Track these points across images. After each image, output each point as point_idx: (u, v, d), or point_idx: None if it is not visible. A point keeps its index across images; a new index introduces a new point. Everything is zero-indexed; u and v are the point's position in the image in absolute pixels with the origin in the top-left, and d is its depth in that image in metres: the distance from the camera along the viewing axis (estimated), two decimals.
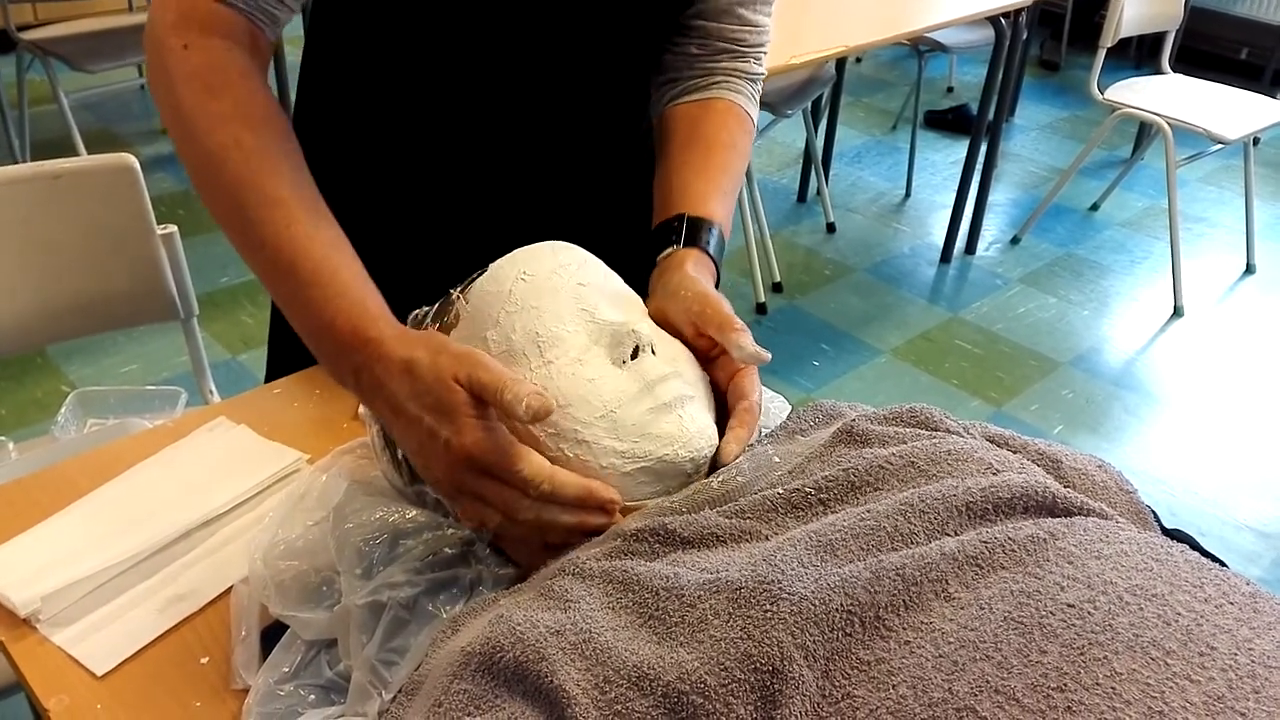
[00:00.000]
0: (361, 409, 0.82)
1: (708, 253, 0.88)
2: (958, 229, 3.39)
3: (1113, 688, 0.49)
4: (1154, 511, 0.72)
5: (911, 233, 3.61)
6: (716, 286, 0.85)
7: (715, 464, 0.73)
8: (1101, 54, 3.23)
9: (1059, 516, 0.63)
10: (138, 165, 1.41)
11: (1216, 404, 2.79)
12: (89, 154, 1.59)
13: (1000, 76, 3.12)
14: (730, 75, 1.02)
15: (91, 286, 1.46)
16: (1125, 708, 0.48)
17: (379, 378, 0.70)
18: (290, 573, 0.75)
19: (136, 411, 1.63)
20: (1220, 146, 3.15)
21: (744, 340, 0.75)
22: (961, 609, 0.55)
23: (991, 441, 0.72)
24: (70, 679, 0.73)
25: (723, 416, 0.77)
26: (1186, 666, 0.50)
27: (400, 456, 0.78)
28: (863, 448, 0.70)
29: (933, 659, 0.53)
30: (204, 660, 0.75)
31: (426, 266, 0.89)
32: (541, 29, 0.94)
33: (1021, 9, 3.01)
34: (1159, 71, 3.57)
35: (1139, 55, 5.14)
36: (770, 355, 0.74)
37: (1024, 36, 3.24)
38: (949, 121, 4.41)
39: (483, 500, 0.68)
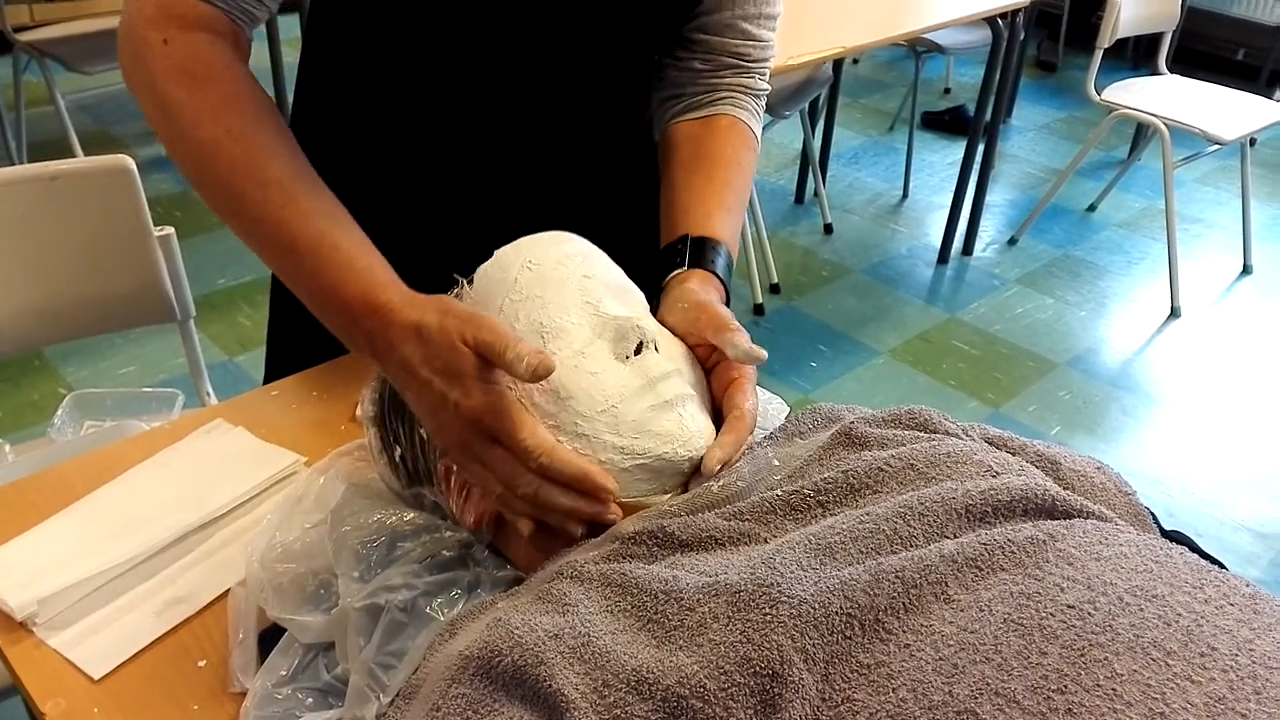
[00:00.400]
0: (359, 411, 0.82)
1: (714, 272, 0.88)
2: (955, 230, 3.39)
3: (1113, 689, 0.49)
4: (1153, 513, 0.72)
5: (909, 234, 3.61)
6: (726, 305, 0.85)
7: (698, 470, 0.72)
8: (1098, 55, 3.23)
9: (1058, 519, 0.63)
10: (134, 167, 1.41)
11: (1214, 404, 2.79)
12: (85, 155, 1.59)
13: (997, 77, 3.12)
14: (734, 90, 1.02)
15: (88, 288, 1.45)
16: (1126, 709, 0.48)
17: (391, 342, 0.70)
18: (288, 575, 0.75)
19: (134, 413, 1.62)
20: (1217, 147, 3.16)
21: (739, 339, 0.74)
22: (961, 611, 0.55)
23: (990, 443, 0.72)
24: (67, 682, 0.73)
25: (717, 424, 0.76)
26: (1187, 667, 0.50)
27: (398, 458, 0.78)
28: (861, 450, 0.70)
29: (932, 661, 0.52)
30: (201, 663, 0.75)
31: (424, 266, 0.89)
32: (540, 32, 0.94)
33: (1018, 10, 3.01)
34: (1156, 72, 3.58)
35: (1136, 56, 5.15)
36: (766, 354, 0.74)
37: (1021, 37, 3.24)
38: (946, 122, 4.42)
39: (486, 467, 0.68)
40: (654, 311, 0.83)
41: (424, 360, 0.68)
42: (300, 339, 1.15)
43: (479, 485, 0.71)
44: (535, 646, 0.56)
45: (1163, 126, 3.16)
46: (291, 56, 1.14)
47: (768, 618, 0.54)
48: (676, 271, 0.88)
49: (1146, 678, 0.49)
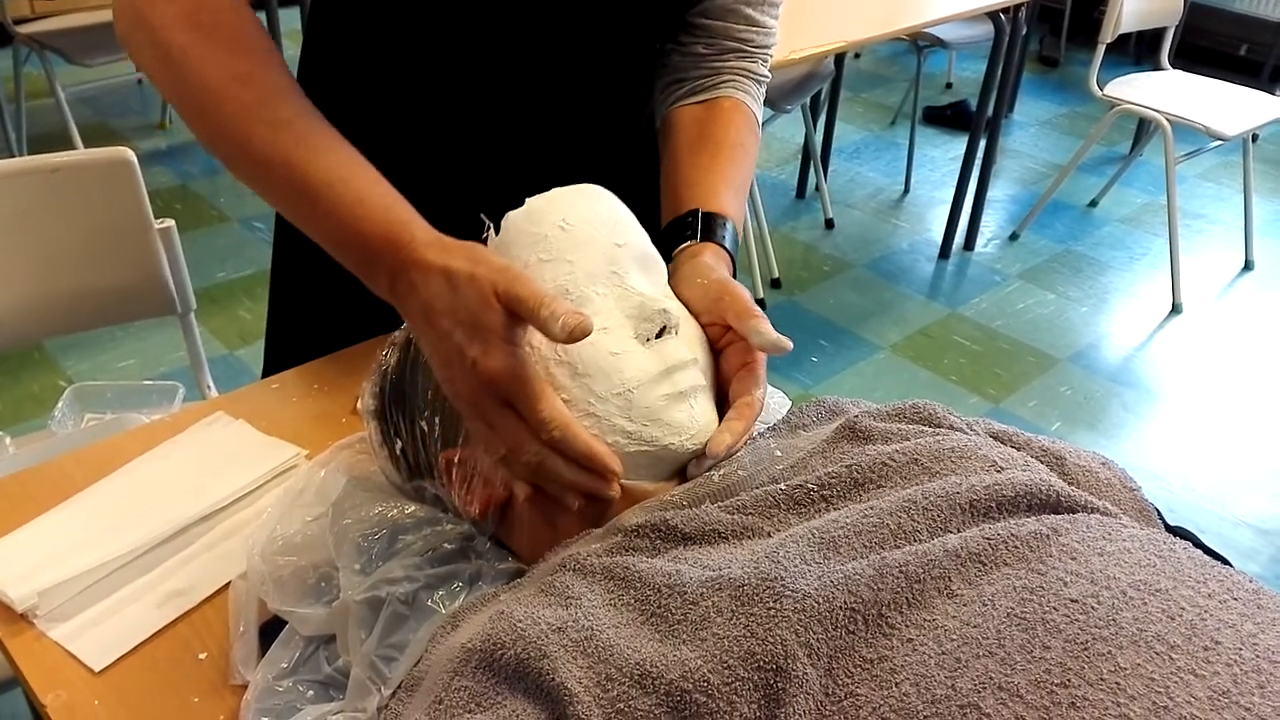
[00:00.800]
0: (359, 404, 0.82)
1: (724, 247, 0.87)
2: (956, 225, 3.39)
3: (1117, 683, 0.49)
4: (1157, 509, 0.72)
5: (910, 229, 3.61)
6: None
7: (703, 453, 0.72)
8: (1101, 50, 3.23)
9: (1062, 514, 0.62)
10: (135, 159, 1.41)
11: (1215, 401, 2.79)
12: (86, 148, 1.59)
13: (999, 72, 3.12)
14: (737, 75, 1.01)
15: (89, 281, 1.45)
16: (1130, 703, 0.48)
17: (413, 283, 0.68)
18: (289, 568, 0.75)
19: (134, 406, 1.63)
20: (1219, 143, 3.15)
21: (763, 327, 0.73)
22: (964, 606, 0.55)
23: (995, 438, 0.72)
24: (68, 674, 0.73)
25: (721, 407, 0.76)
26: (1191, 661, 0.50)
27: (399, 451, 0.78)
28: (865, 444, 0.70)
29: (935, 656, 0.52)
30: (202, 656, 0.75)
31: None
32: (546, 16, 0.93)
33: (1021, 4, 3.01)
34: (1158, 67, 3.57)
35: (1138, 51, 5.14)
36: (791, 344, 0.73)
37: (1023, 32, 3.23)
38: (948, 117, 4.41)
39: (493, 429, 0.67)
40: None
41: (448, 309, 0.66)
42: (300, 332, 1.15)
43: (481, 442, 0.69)
44: (538, 639, 0.56)
45: (1165, 122, 3.16)
46: (293, 49, 1.13)
47: (771, 612, 0.54)
48: (688, 244, 0.86)
49: (1150, 671, 0.49)
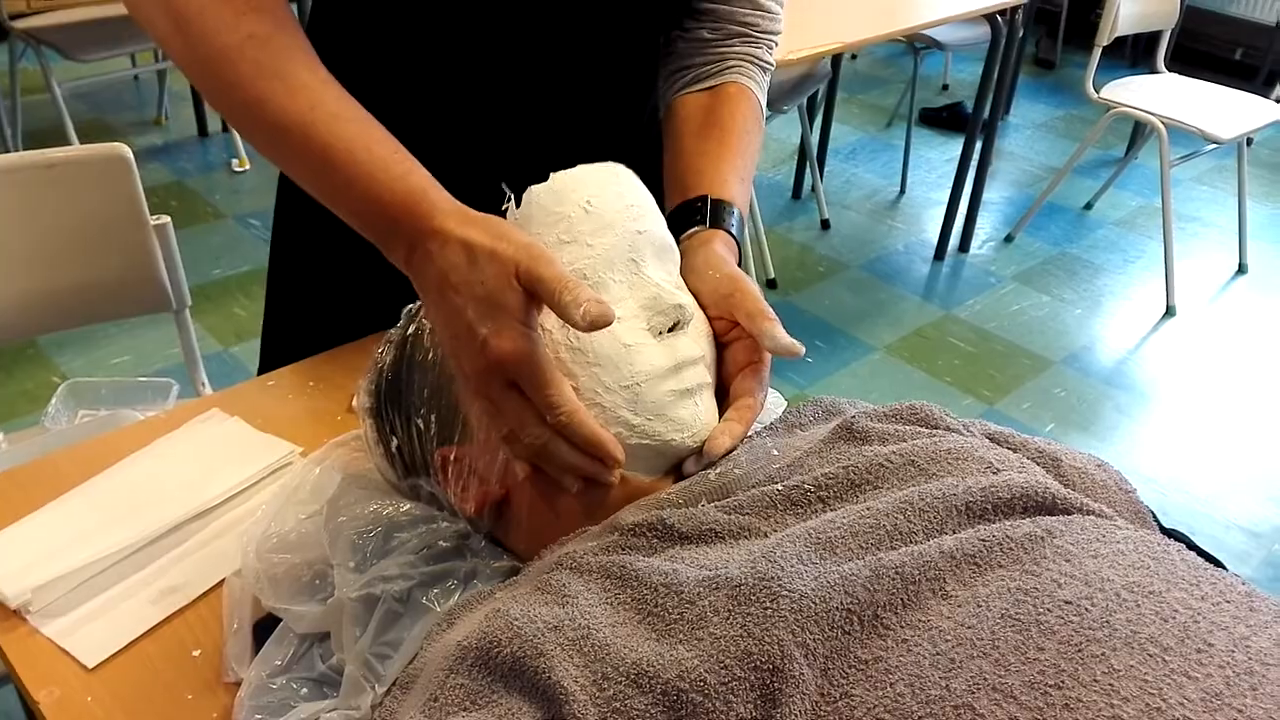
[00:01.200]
0: (354, 402, 0.82)
1: (732, 235, 0.86)
2: (952, 226, 3.39)
3: (1110, 684, 0.49)
4: (1152, 512, 0.72)
5: (906, 230, 3.61)
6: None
7: (701, 452, 0.71)
8: (1097, 53, 3.24)
9: (1058, 516, 0.62)
10: (131, 155, 1.40)
11: (1208, 404, 2.79)
12: (81, 144, 1.58)
13: (996, 74, 3.12)
14: (743, 60, 1.00)
15: (83, 277, 1.45)
16: (1123, 704, 0.48)
17: (430, 253, 0.67)
18: (283, 566, 0.74)
19: (128, 403, 1.62)
20: (1214, 146, 3.16)
21: (776, 330, 0.72)
22: (959, 607, 0.55)
23: (991, 440, 0.72)
24: (61, 671, 0.73)
25: (720, 400, 0.75)
26: (1184, 663, 0.50)
27: (394, 450, 0.78)
28: (862, 445, 0.70)
29: (930, 657, 0.52)
30: (196, 653, 0.75)
31: None
32: (551, 4, 0.93)
33: (1017, 7, 3.01)
34: (1154, 71, 3.58)
35: (1134, 54, 5.15)
36: (803, 349, 0.72)
37: (1020, 34, 3.24)
38: (944, 119, 4.42)
39: (497, 408, 0.66)
40: None
41: (464, 283, 0.64)
42: (297, 329, 1.14)
43: (485, 419, 0.68)
44: (535, 638, 0.56)
45: (1160, 125, 3.16)
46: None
47: (768, 612, 0.54)
48: (696, 230, 0.85)
49: (1143, 673, 0.49)
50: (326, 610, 0.70)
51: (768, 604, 0.55)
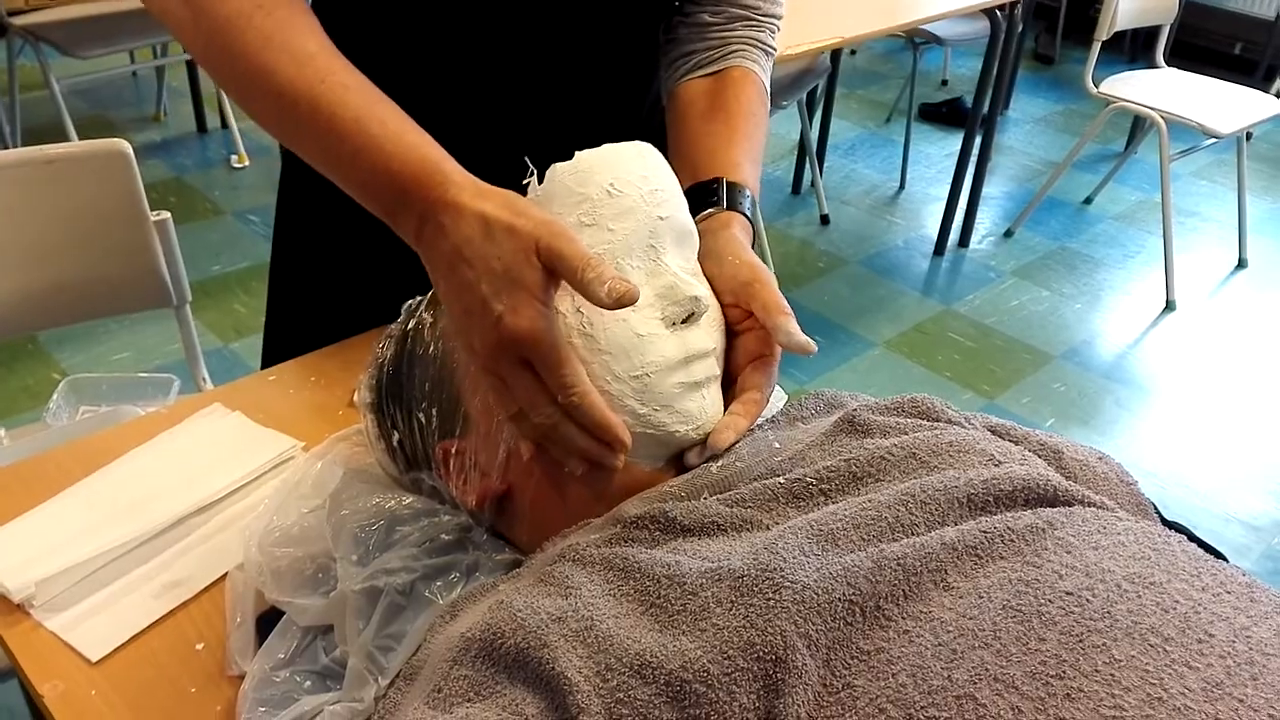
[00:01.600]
0: (356, 397, 0.82)
1: (748, 217, 0.84)
2: (951, 222, 3.39)
3: (1112, 674, 0.49)
4: (1154, 504, 0.72)
5: (905, 225, 3.61)
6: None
7: (704, 444, 0.71)
8: (1096, 47, 3.23)
9: (1059, 508, 0.63)
10: (130, 151, 1.40)
11: (1208, 398, 2.80)
12: (80, 141, 1.58)
13: (995, 69, 3.12)
14: (746, 44, 0.99)
15: (84, 273, 1.45)
16: (1124, 694, 0.48)
17: (444, 227, 0.65)
18: (286, 559, 0.75)
19: (129, 399, 1.62)
20: (1213, 141, 3.16)
21: (791, 326, 0.72)
22: (960, 598, 0.55)
23: (993, 432, 0.72)
24: (65, 665, 0.73)
25: (726, 389, 0.74)
26: (1185, 653, 0.50)
27: (396, 444, 0.78)
28: (864, 438, 0.70)
29: (932, 648, 0.53)
30: (199, 646, 0.75)
31: None
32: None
33: (1016, 2, 3.01)
34: (1153, 65, 3.58)
35: (1133, 49, 5.15)
36: (816, 347, 0.71)
37: (1019, 29, 3.23)
38: (943, 114, 4.41)
39: (507, 385, 0.65)
40: None
41: (479, 257, 0.63)
42: (299, 324, 1.15)
43: (493, 396, 0.67)
44: (538, 629, 0.56)
45: (1160, 120, 3.16)
46: None
47: (771, 603, 0.54)
48: (712, 212, 0.83)
49: (1144, 663, 0.49)
50: (329, 603, 0.70)
51: (770, 595, 0.55)
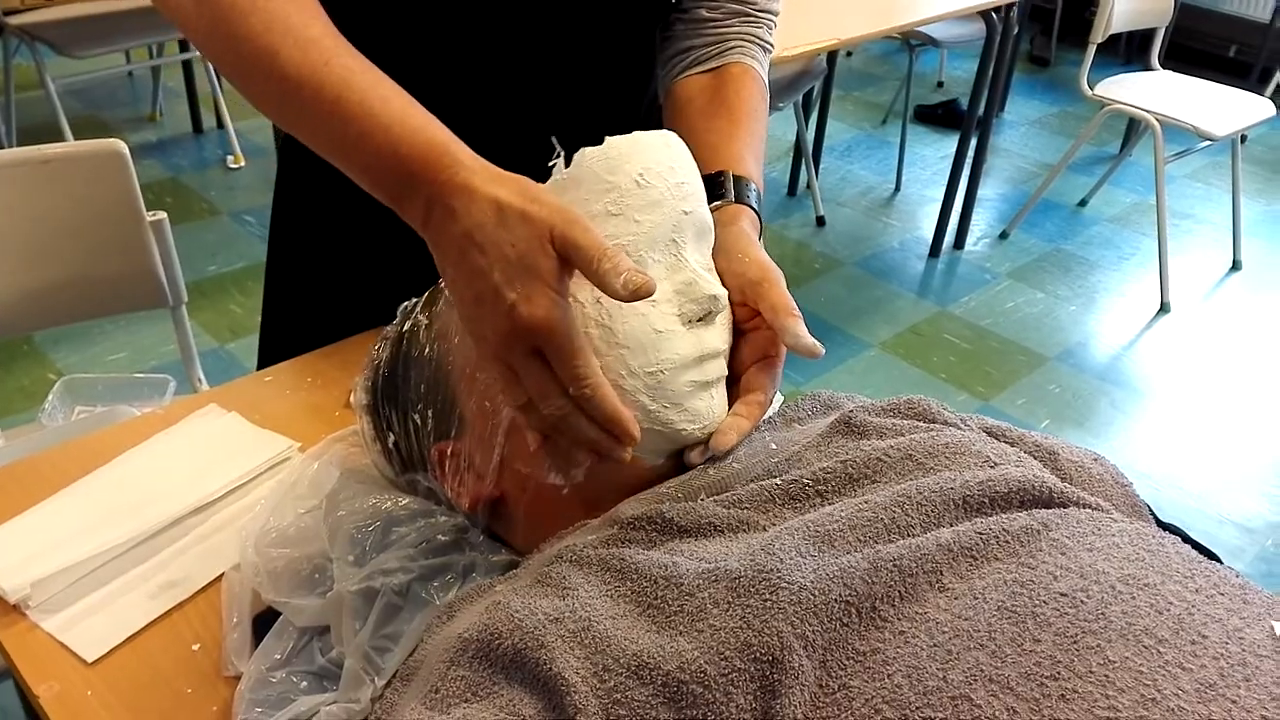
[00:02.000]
0: (352, 398, 0.82)
1: (756, 211, 0.84)
2: (947, 223, 3.39)
3: (1106, 675, 0.49)
4: (1149, 506, 0.72)
5: (901, 227, 3.62)
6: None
7: (705, 443, 0.71)
8: (1091, 50, 3.24)
9: (1054, 509, 0.63)
10: (127, 151, 1.40)
11: (1202, 400, 2.80)
12: (76, 141, 1.58)
13: (990, 71, 3.13)
14: (743, 40, 0.98)
15: (80, 273, 1.45)
16: (1118, 695, 0.48)
17: (454, 211, 0.63)
18: (282, 560, 0.75)
19: (125, 399, 1.62)
20: (1208, 143, 3.17)
21: (800, 329, 0.71)
22: (955, 599, 0.56)
23: (989, 434, 0.72)
24: (60, 665, 0.73)
25: (729, 387, 0.74)
26: (1178, 654, 0.50)
27: (392, 446, 0.78)
28: (860, 439, 0.70)
29: (927, 648, 0.53)
30: (195, 647, 0.75)
31: (421, 242, 0.87)
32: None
33: (1012, 4, 3.02)
34: (1148, 68, 3.58)
35: (1128, 52, 5.16)
36: (823, 350, 0.71)
37: (1015, 31, 3.24)
38: (939, 116, 4.42)
39: (517, 375, 0.63)
40: None
41: (492, 243, 0.61)
42: (295, 325, 1.15)
43: (501, 385, 0.65)
44: (536, 630, 0.56)
45: (1154, 122, 3.17)
46: None
47: (768, 604, 0.55)
48: (720, 205, 0.82)
49: (1138, 665, 0.50)
50: (326, 604, 0.70)
51: (767, 596, 0.55)
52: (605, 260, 0.60)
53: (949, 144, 3.94)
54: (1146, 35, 3.65)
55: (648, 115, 1.06)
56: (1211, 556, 0.64)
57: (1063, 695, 0.48)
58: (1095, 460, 0.73)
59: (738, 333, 0.75)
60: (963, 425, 0.73)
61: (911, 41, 3.85)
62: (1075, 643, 0.51)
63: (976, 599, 0.55)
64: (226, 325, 2.75)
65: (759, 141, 0.92)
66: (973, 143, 3.28)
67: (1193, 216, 3.82)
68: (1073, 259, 3.48)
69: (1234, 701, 0.48)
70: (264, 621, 0.73)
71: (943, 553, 0.58)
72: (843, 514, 0.61)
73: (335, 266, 1.11)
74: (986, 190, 3.81)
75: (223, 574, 0.79)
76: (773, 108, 3.03)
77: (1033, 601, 0.54)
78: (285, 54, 0.70)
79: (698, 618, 0.55)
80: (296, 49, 0.70)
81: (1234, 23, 5.04)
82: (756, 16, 0.99)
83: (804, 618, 0.54)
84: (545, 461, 0.68)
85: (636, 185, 0.68)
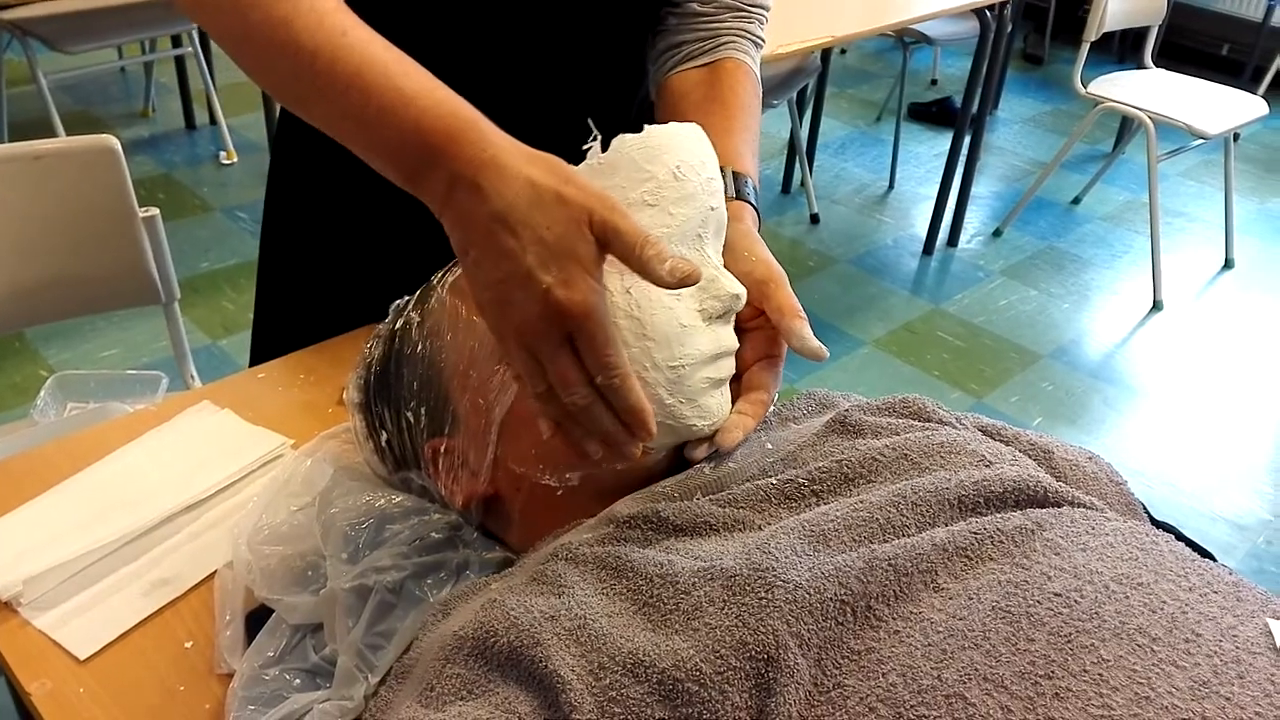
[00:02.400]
0: (345, 395, 0.81)
1: (755, 207, 0.83)
2: (940, 221, 3.40)
3: (1100, 674, 0.49)
4: (1143, 504, 0.72)
5: (894, 224, 3.62)
6: None
7: (709, 439, 0.71)
8: (1085, 48, 3.24)
9: (1049, 509, 0.63)
10: (119, 147, 1.40)
11: (1194, 397, 2.81)
12: (68, 136, 1.57)
13: (984, 69, 3.13)
14: (736, 35, 0.98)
15: (71, 269, 1.44)
16: (1112, 694, 0.48)
17: (481, 187, 0.60)
18: (275, 557, 0.75)
19: (117, 396, 1.62)
20: (1201, 141, 3.18)
21: (805, 330, 0.71)
22: (950, 599, 0.56)
23: (984, 432, 0.73)
24: (52, 663, 0.73)
25: (731, 386, 0.74)
26: (1172, 653, 0.50)
27: (384, 443, 0.78)
28: (855, 438, 0.70)
29: (922, 648, 0.53)
30: (188, 644, 0.75)
31: (414, 239, 0.86)
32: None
33: (1006, 2, 3.02)
34: (1141, 66, 3.59)
35: (1122, 50, 5.16)
36: (828, 353, 0.71)
37: (1008, 29, 3.25)
38: (933, 114, 4.42)
39: (542, 363, 0.61)
40: None
41: (525, 225, 0.59)
42: (287, 321, 1.14)
43: (522, 371, 0.63)
44: (531, 627, 0.56)
45: (1148, 120, 3.18)
46: None
47: (763, 602, 0.55)
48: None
49: (1132, 663, 0.50)
50: (319, 601, 0.70)
51: (763, 594, 0.55)
52: (649, 247, 0.59)
53: (943, 141, 3.94)
54: (1140, 33, 3.66)
55: (639, 117, 1.06)
56: (1206, 554, 0.65)
57: (1057, 694, 0.49)
58: (1090, 459, 0.73)
59: (739, 331, 0.75)
60: (958, 424, 0.73)
61: (905, 39, 3.85)
62: (1069, 642, 0.51)
63: (971, 599, 0.55)
64: (219, 322, 2.74)
65: (754, 137, 0.92)
66: (966, 140, 3.28)
67: (1185, 215, 3.83)
68: (1066, 257, 3.49)
69: (1228, 699, 0.48)
70: (257, 619, 0.73)
71: (938, 552, 0.58)
72: (838, 513, 0.61)
73: (328, 263, 1.10)
74: (980, 188, 3.82)
75: (215, 571, 0.78)
76: (767, 105, 3.03)
77: (1027, 601, 0.54)
78: (300, 23, 0.66)
79: (693, 616, 0.55)
80: (312, 16, 0.66)
81: (1227, 21, 5.05)
82: (748, 11, 0.99)
83: (799, 616, 0.54)
84: (539, 464, 0.68)
85: (674, 177, 0.67)
